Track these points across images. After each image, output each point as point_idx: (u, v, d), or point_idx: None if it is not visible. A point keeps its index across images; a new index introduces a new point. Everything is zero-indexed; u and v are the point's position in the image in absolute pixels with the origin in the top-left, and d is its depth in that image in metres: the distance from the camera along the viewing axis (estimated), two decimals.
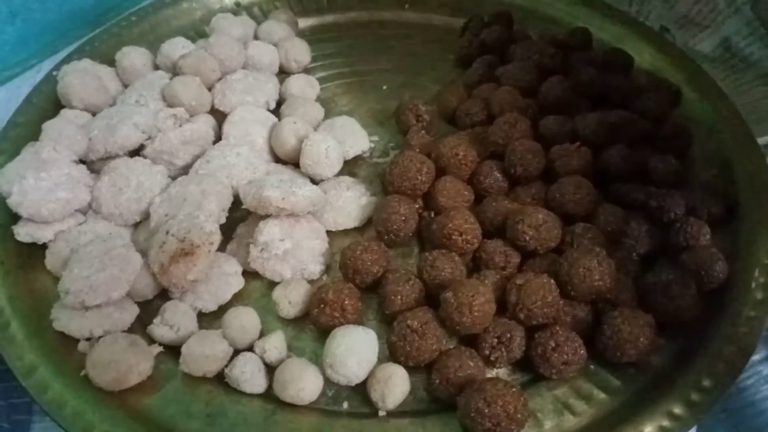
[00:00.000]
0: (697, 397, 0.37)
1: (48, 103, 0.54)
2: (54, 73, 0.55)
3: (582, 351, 0.39)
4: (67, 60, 0.57)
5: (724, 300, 0.41)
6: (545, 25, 0.64)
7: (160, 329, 0.41)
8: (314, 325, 0.42)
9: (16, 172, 0.44)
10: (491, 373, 0.40)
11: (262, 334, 0.42)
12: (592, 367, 0.40)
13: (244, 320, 0.41)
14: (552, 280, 0.40)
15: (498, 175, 0.49)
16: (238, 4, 0.67)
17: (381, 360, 0.40)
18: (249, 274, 0.45)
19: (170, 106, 0.52)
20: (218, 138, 0.52)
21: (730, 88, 0.56)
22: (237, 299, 0.44)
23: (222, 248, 0.46)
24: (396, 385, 0.38)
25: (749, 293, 0.41)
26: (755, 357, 0.50)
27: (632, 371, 0.40)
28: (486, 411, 0.35)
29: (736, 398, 0.46)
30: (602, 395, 0.39)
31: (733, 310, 0.41)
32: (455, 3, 0.68)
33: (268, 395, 0.39)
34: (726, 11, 0.54)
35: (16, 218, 0.44)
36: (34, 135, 0.48)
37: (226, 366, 0.40)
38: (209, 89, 0.54)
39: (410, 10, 0.68)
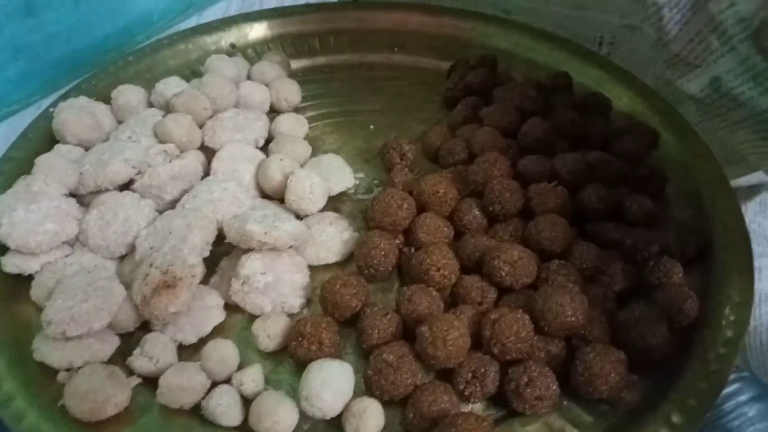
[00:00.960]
0: None
1: (43, 138, 0.55)
2: (51, 109, 0.57)
3: (555, 386, 0.39)
4: (64, 97, 0.58)
5: (696, 337, 0.42)
6: (528, 69, 0.66)
7: (139, 361, 0.41)
8: (292, 358, 0.42)
9: (7, 204, 0.45)
10: (466, 408, 0.41)
11: (240, 367, 0.42)
12: (565, 403, 0.40)
13: (223, 353, 0.42)
14: (526, 316, 0.41)
15: (477, 212, 0.50)
16: (233, 46, 0.69)
17: (357, 394, 0.40)
18: (231, 307, 0.46)
19: (162, 142, 0.54)
20: (207, 174, 0.53)
21: (708, 132, 0.57)
22: (217, 332, 0.44)
23: (206, 281, 0.47)
24: (371, 419, 0.39)
25: (720, 331, 0.41)
26: (740, 398, 0.50)
27: (604, 407, 0.40)
28: None
29: None
30: (575, 431, 0.39)
31: (704, 347, 0.41)
32: (443, 47, 0.70)
33: (244, 428, 0.39)
34: (720, 50, 0.54)
35: (2, 250, 0.45)
36: (29, 169, 0.49)
37: (203, 398, 0.40)
38: (200, 126, 0.56)
39: (399, 54, 0.70)
